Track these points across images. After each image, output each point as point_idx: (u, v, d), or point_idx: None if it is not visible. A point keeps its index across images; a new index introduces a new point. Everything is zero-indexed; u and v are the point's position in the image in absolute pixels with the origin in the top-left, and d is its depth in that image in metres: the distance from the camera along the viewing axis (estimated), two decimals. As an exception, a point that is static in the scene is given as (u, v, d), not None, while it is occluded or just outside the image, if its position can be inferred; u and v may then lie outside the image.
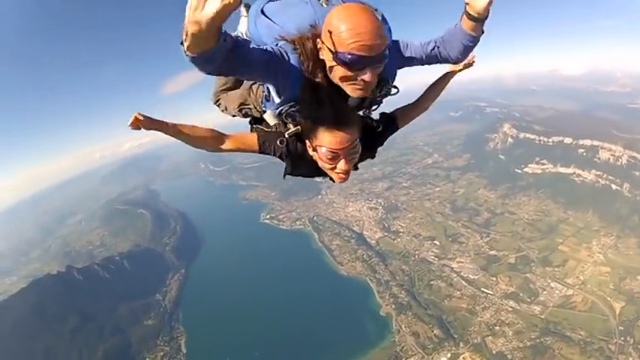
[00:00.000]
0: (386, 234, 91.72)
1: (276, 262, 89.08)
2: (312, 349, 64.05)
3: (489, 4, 2.53)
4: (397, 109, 3.58)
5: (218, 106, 4.15)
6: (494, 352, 57.92)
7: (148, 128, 2.66)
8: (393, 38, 3.07)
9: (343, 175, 2.84)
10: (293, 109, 2.85)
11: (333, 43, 2.33)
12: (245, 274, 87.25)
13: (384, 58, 2.43)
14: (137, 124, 2.56)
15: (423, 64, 3.20)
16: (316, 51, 2.59)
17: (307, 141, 2.87)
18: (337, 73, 2.48)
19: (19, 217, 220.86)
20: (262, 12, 2.94)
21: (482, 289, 69.96)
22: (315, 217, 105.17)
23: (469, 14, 2.66)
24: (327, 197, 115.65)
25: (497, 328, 61.45)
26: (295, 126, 2.96)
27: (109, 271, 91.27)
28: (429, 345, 60.59)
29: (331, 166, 2.79)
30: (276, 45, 2.64)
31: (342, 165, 2.75)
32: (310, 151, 2.89)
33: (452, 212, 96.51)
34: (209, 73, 2.19)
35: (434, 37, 3.12)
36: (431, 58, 3.12)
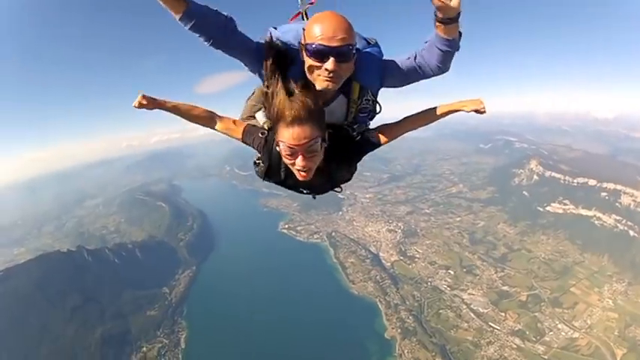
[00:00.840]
0: (402, 258, 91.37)
1: (288, 273, 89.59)
2: (309, 365, 64.13)
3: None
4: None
5: None
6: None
7: (151, 108, 3.15)
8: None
9: (303, 173, 2.93)
10: None
11: (304, 38, 2.83)
12: (255, 280, 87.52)
13: (348, 52, 2.78)
14: (141, 105, 3.05)
15: (406, 79, 3.29)
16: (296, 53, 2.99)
17: (275, 137, 2.95)
18: (308, 66, 2.87)
19: (39, 190, 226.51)
20: (274, 27, 3.25)
21: (490, 323, 69.38)
22: (333, 233, 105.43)
23: (437, 16, 2.66)
24: (347, 215, 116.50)
25: (498, 364, 60.92)
26: None
27: (120, 258, 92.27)
28: (429, 373, 60.19)
29: (291, 162, 2.90)
30: None
31: (299, 161, 2.83)
32: (278, 148, 2.95)
33: (470, 244, 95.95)
34: (203, 36, 2.73)
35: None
36: (411, 71, 3.17)
